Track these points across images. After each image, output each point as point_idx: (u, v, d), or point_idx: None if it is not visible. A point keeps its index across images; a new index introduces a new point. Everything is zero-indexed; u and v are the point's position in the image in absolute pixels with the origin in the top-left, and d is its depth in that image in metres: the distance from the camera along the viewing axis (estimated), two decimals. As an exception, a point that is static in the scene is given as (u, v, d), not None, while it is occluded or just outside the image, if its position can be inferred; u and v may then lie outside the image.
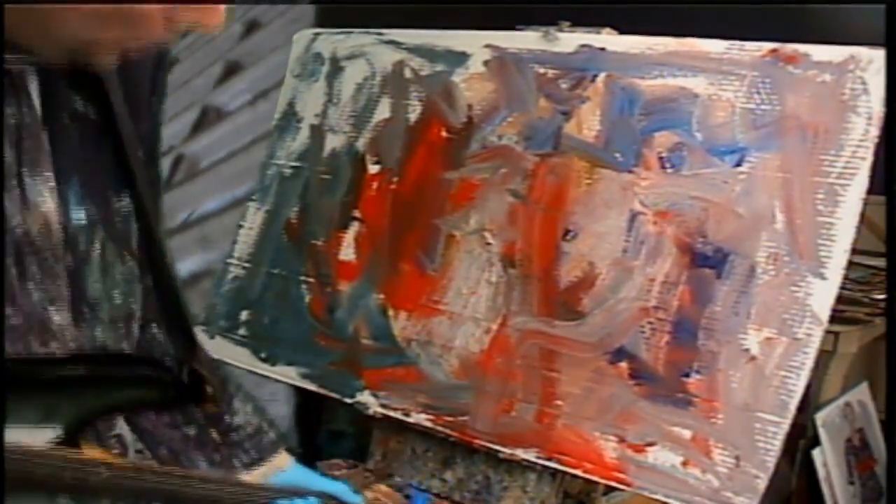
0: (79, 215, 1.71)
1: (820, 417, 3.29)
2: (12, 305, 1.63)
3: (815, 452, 3.28)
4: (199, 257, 4.07)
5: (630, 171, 2.32)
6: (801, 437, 3.28)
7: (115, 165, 1.74)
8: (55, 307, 1.68)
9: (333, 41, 2.91)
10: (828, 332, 2.11)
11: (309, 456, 3.18)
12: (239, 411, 1.95)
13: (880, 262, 3.09)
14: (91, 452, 1.64)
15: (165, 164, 4.43)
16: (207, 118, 4.48)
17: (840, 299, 2.09)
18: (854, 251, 2.07)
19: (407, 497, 2.32)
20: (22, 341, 1.64)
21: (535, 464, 2.37)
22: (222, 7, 1.55)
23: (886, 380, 3.02)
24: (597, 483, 2.42)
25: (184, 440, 1.91)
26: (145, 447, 1.92)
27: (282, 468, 1.96)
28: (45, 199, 1.65)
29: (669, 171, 2.27)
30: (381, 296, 2.64)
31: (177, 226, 4.13)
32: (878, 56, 2.08)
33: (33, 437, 1.59)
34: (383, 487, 2.28)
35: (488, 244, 2.49)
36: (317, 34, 2.97)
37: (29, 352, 1.64)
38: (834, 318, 2.10)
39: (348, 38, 2.88)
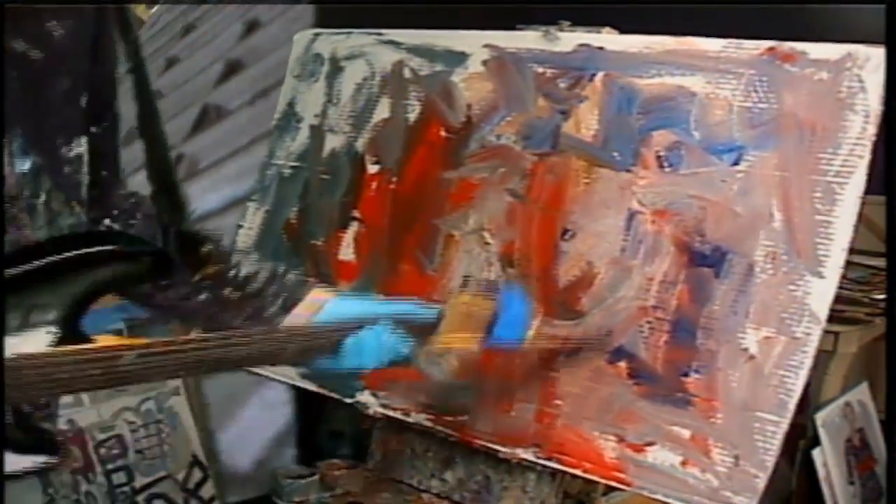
0: (23, 165, 1.73)
1: (820, 417, 3.29)
2: None
3: (815, 452, 3.28)
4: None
5: (628, 171, 2.32)
6: (801, 437, 3.28)
7: (66, 109, 1.76)
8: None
9: (333, 41, 2.92)
10: (828, 332, 2.12)
11: (309, 456, 3.20)
12: (242, 263, 1.96)
13: (880, 262, 3.09)
14: (105, 341, 1.64)
15: (165, 165, 4.44)
16: (207, 118, 4.48)
17: (840, 299, 2.09)
18: (853, 251, 2.06)
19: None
20: None
21: (535, 464, 2.37)
22: None
23: (886, 380, 3.01)
24: (596, 483, 2.42)
25: (202, 307, 1.91)
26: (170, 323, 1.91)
27: (322, 301, 1.92)
28: None
29: (667, 169, 2.27)
30: (381, 295, 2.64)
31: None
32: (875, 54, 2.08)
33: (29, 344, 1.64)
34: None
35: (487, 244, 2.49)
36: (317, 34, 2.98)
37: None
38: (834, 318, 2.10)
39: (348, 38, 2.89)
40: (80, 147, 1.82)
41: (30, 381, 1.52)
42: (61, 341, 1.68)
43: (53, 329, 1.69)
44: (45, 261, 1.68)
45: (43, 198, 1.77)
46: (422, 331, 2.02)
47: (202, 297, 1.92)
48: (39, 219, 1.78)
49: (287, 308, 1.93)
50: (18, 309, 1.65)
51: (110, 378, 1.59)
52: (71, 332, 1.71)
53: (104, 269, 1.77)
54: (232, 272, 1.96)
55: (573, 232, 2.37)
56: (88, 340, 1.69)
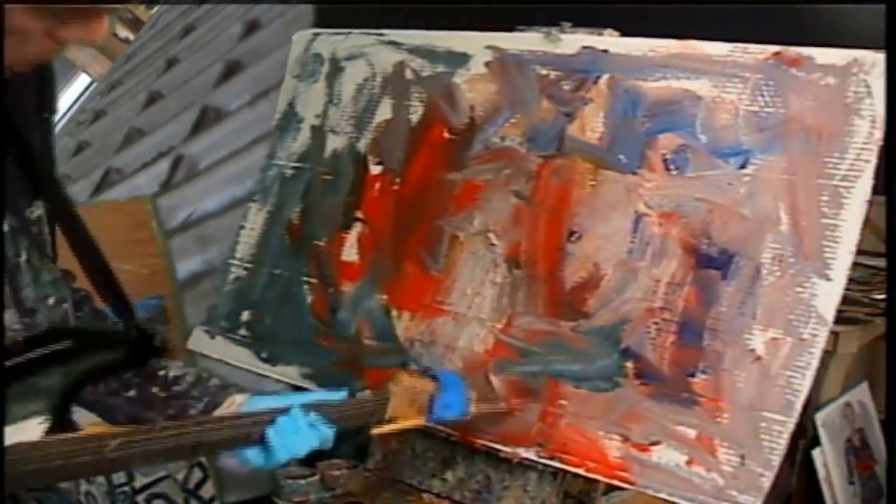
0: (4, 226, 1.80)
1: (820, 417, 3.30)
2: None
3: (815, 452, 3.29)
4: (199, 257, 4.08)
5: (634, 173, 2.33)
6: (801, 437, 3.29)
7: (22, 176, 1.83)
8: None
9: (333, 41, 2.92)
10: (827, 331, 2.12)
11: (309, 456, 3.19)
12: (171, 366, 2.04)
13: (880, 262, 3.09)
14: (91, 429, 1.74)
15: (165, 165, 4.44)
16: (207, 118, 4.48)
17: (840, 299, 2.10)
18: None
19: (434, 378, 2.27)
20: None
21: (537, 463, 2.38)
22: (104, 21, 1.59)
23: (886, 380, 3.03)
24: (597, 483, 2.43)
25: (129, 403, 2.00)
26: (103, 420, 1.98)
27: (241, 403, 2.01)
28: None
29: (674, 172, 2.28)
30: (384, 296, 2.65)
31: (177, 226, 4.13)
32: (881, 59, 2.09)
33: (24, 433, 1.71)
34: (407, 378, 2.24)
35: (493, 245, 2.49)
36: (316, 34, 2.97)
37: None
38: (834, 318, 2.11)
39: (347, 38, 2.89)
40: (39, 210, 1.89)
41: (26, 472, 1.61)
42: (52, 430, 1.76)
43: (44, 419, 1.76)
44: (28, 356, 1.76)
45: (24, 256, 1.84)
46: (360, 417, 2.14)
47: (130, 393, 2.02)
48: (25, 277, 1.87)
49: (209, 410, 2.02)
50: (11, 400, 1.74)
51: (97, 464, 1.70)
52: (60, 422, 1.79)
53: (88, 359, 1.85)
54: (161, 373, 2.04)
55: (579, 234, 2.37)
56: (76, 429, 1.78)
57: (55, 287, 1.93)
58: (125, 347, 1.93)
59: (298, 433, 1.95)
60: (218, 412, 2.01)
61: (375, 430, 2.17)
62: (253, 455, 1.94)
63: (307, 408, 1.97)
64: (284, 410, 1.94)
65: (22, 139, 1.83)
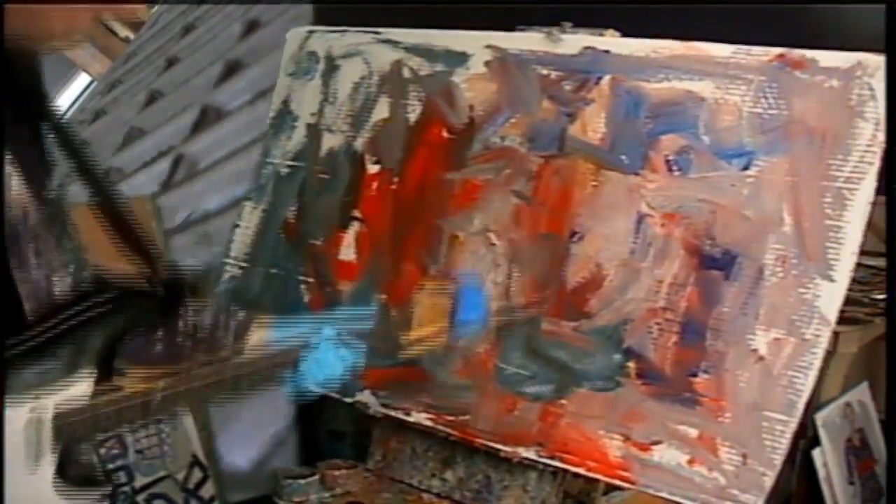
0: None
1: (820, 417, 3.30)
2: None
3: (815, 452, 3.29)
4: (199, 257, 4.07)
5: (637, 174, 2.33)
6: (801, 437, 3.29)
7: (40, 149, 1.89)
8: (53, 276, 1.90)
9: (328, 39, 2.91)
10: (827, 331, 2.13)
11: (309, 456, 3.19)
12: (188, 312, 2.06)
13: (880, 262, 3.10)
14: (131, 385, 1.87)
15: (165, 164, 4.44)
16: (207, 118, 4.48)
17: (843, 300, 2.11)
18: (854, 251, 2.09)
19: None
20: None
21: (537, 463, 2.38)
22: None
23: (886, 380, 3.04)
24: (597, 483, 2.43)
25: (163, 358, 2.03)
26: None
27: (265, 333, 2.08)
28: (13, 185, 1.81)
29: (676, 173, 2.28)
30: (383, 296, 2.64)
31: (177, 225, 4.12)
32: (884, 62, 2.09)
33: (76, 390, 1.82)
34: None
35: (493, 245, 2.49)
36: (311, 32, 2.96)
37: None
38: (836, 319, 2.12)
39: (343, 36, 2.88)
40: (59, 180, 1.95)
41: (82, 430, 1.81)
42: (99, 384, 1.84)
43: (91, 374, 1.85)
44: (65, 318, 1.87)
45: (46, 225, 1.90)
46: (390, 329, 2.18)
47: (159, 347, 2.05)
48: (48, 243, 1.91)
49: (238, 344, 2.06)
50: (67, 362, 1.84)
51: (146, 411, 1.86)
52: (107, 375, 1.88)
53: (124, 316, 1.94)
54: (181, 323, 2.06)
55: (581, 234, 2.38)
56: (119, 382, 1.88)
57: (75, 253, 1.96)
58: (157, 299, 1.99)
59: (329, 363, 2.01)
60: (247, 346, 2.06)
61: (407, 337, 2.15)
62: (289, 382, 2.01)
63: (336, 337, 2.01)
64: (316, 334, 2.00)
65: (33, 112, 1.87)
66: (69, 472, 1.86)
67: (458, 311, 2.18)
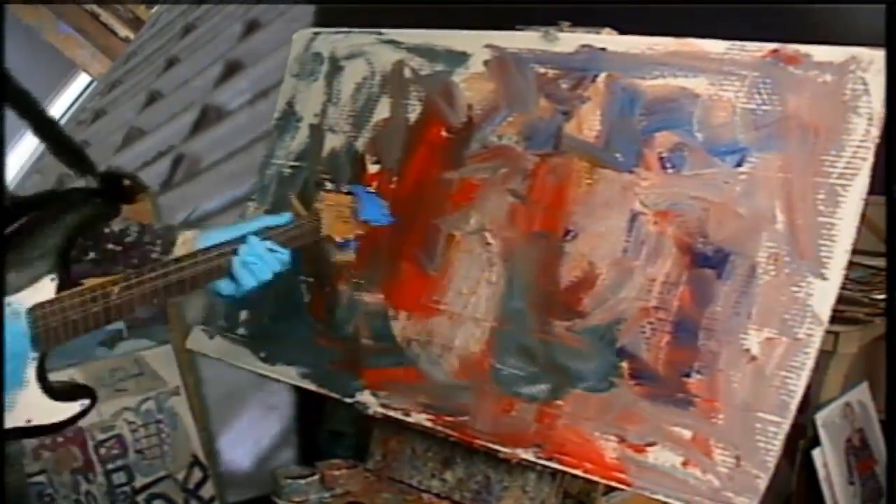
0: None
1: (820, 417, 3.29)
2: None
3: (815, 452, 3.28)
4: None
5: (630, 172, 2.32)
6: (801, 437, 3.28)
7: None
8: None
9: (332, 40, 2.91)
10: (828, 332, 2.11)
11: (309, 456, 3.20)
12: (112, 223, 2.26)
13: (880, 262, 3.09)
14: (90, 283, 2.07)
15: (166, 164, 4.45)
16: (207, 118, 4.49)
17: (840, 299, 2.09)
18: (854, 251, 2.07)
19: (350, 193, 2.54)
20: None
21: (536, 463, 2.37)
22: None
23: (886, 380, 3.02)
24: (597, 483, 2.42)
25: (94, 265, 2.24)
26: None
27: (192, 238, 2.30)
28: None
29: (670, 171, 2.27)
30: (381, 296, 2.64)
31: (177, 225, 4.14)
32: (878, 57, 2.08)
33: (41, 293, 2.04)
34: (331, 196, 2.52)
35: (488, 244, 2.48)
36: (316, 34, 2.97)
37: None
38: (834, 318, 2.10)
39: (347, 37, 2.88)
40: None
41: (52, 329, 2.01)
42: (62, 287, 2.05)
43: (53, 276, 2.06)
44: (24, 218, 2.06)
45: None
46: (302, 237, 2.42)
47: (90, 256, 2.24)
48: None
49: (167, 250, 2.28)
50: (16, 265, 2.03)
51: (108, 312, 2.06)
52: (66, 276, 2.08)
53: (69, 215, 2.11)
54: (107, 230, 2.25)
55: (575, 233, 2.36)
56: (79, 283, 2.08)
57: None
58: (99, 199, 2.18)
59: (261, 259, 2.24)
60: (176, 250, 2.28)
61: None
62: (224, 286, 2.25)
63: (262, 234, 2.26)
64: (242, 239, 2.22)
65: None
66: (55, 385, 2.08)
67: (362, 217, 2.50)
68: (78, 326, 2.03)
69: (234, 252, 2.21)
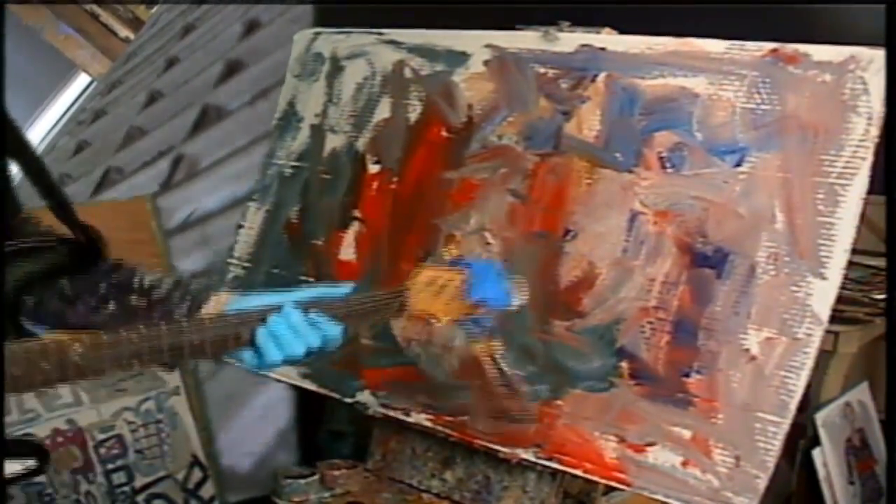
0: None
1: (820, 417, 3.29)
2: None
3: (815, 452, 3.28)
4: (199, 257, 4.08)
5: (630, 171, 2.32)
6: (801, 437, 3.28)
7: None
8: None
9: (334, 41, 2.91)
10: (828, 332, 2.11)
11: (309, 456, 3.20)
12: (146, 274, 2.01)
13: (880, 262, 3.09)
14: (51, 337, 1.74)
15: (165, 164, 4.45)
16: (207, 118, 4.49)
17: (840, 299, 2.09)
18: (854, 251, 2.07)
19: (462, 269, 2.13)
20: None
21: (535, 463, 2.37)
22: None
23: (886, 380, 3.01)
24: (597, 483, 2.42)
25: (112, 318, 1.96)
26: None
27: (227, 301, 1.94)
28: None
29: (670, 170, 2.27)
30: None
31: (177, 225, 4.14)
32: (878, 56, 2.08)
33: None
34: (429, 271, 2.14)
35: (488, 244, 2.48)
36: (317, 34, 2.97)
37: None
38: (834, 318, 2.10)
39: (348, 37, 2.88)
40: None
41: None
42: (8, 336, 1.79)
43: None
44: None
45: None
46: (374, 313, 2.07)
47: (109, 307, 1.98)
48: None
49: (192, 311, 1.95)
50: None
51: (63, 370, 1.68)
52: (15, 328, 1.88)
53: (29, 261, 1.93)
54: (136, 280, 2.01)
55: (575, 232, 2.36)
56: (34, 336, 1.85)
57: None
58: (68, 250, 1.97)
59: (295, 333, 1.86)
60: (203, 313, 1.94)
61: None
62: (247, 357, 1.87)
63: (304, 306, 1.88)
64: (277, 309, 1.86)
65: None
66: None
67: (473, 295, 2.09)
68: (19, 383, 1.68)
69: (262, 320, 1.85)
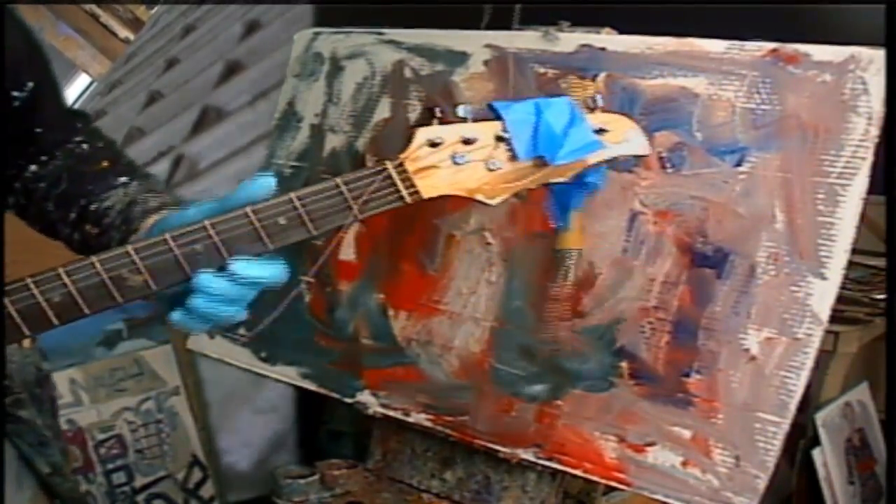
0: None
1: (820, 417, 3.29)
2: None
3: (815, 452, 3.28)
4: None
5: (630, 171, 2.31)
6: (801, 437, 3.29)
7: None
8: None
9: (333, 41, 2.91)
10: (828, 332, 2.11)
11: (309, 456, 3.19)
12: (101, 194, 1.91)
13: (880, 262, 3.10)
14: None
15: (165, 164, 4.46)
16: (207, 118, 4.49)
17: (840, 299, 2.08)
18: (854, 251, 2.07)
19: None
20: None
21: (535, 463, 2.37)
22: None
23: (886, 380, 3.02)
24: (597, 483, 2.42)
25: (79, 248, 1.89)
26: None
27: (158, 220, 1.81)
28: None
29: (669, 170, 2.27)
30: (382, 295, 2.64)
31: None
32: (878, 56, 2.08)
33: None
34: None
35: (488, 244, 2.48)
36: (317, 34, 2.96)
37: None
38: (834, 318, 2.10)
39: (348, 37, 2.88)
40: None
41: None
42: None
43: None
44: None
45: None
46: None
47: (76, 236, 1.92)
48: None
49: (126, 236, 1.85)
50: None
51: None
52: None
53: None
54: (92, 206, 1.90)
55: (575, 232, 2.37)
56: None
57: None
58: None
59: (221, 301, 1.69)
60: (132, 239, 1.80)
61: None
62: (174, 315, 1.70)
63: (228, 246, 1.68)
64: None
65: None
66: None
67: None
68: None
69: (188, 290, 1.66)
